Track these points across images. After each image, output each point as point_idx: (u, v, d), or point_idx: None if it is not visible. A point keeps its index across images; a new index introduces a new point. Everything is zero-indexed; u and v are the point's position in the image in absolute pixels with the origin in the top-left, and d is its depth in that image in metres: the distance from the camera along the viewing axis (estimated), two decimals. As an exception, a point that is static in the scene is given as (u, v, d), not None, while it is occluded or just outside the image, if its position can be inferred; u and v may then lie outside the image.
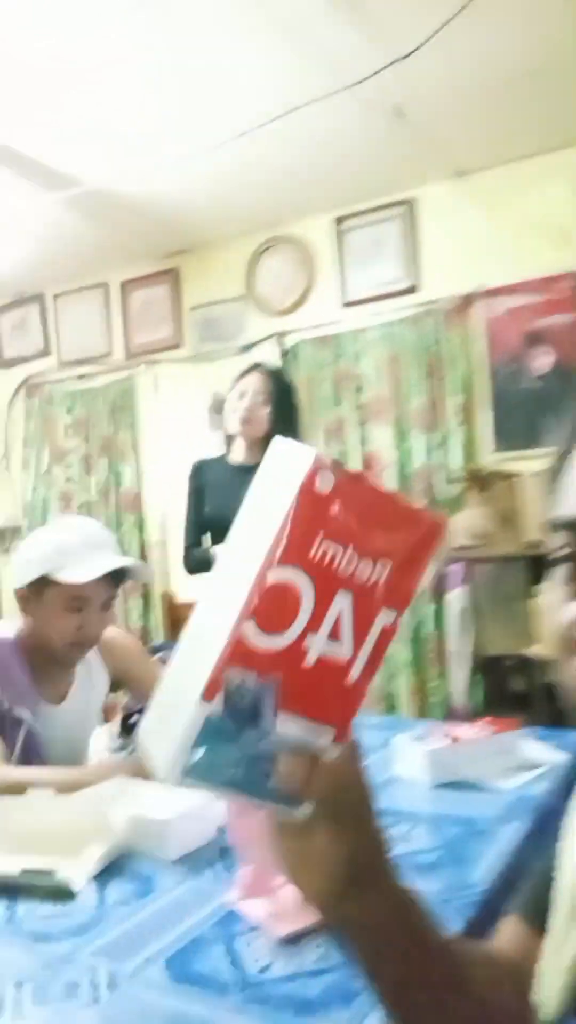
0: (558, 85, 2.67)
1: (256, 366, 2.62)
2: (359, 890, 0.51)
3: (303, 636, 0.44)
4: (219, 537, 2.55)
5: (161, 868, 1.09)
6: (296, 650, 0.44)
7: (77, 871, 1.06)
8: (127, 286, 4.18)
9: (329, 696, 0.46)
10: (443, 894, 0.96)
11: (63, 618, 1.48)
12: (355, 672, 0.46)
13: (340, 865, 0.50)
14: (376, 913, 0.52)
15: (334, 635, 0.45)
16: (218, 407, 3.90)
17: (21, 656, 1.53)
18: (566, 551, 0.51)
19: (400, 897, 0.54)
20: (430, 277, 3.40)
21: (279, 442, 0.48)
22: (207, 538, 2.60)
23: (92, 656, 1.66)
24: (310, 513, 0.44)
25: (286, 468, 0.45)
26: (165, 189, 3.26)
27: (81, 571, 1.44)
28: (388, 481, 3.38)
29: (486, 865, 1.04)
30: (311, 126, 2.82)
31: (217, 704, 0.43)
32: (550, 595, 0.53)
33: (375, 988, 0.57)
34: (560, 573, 0.52)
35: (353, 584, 0.45)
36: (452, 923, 0.89)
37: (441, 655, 3.21)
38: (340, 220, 3.57)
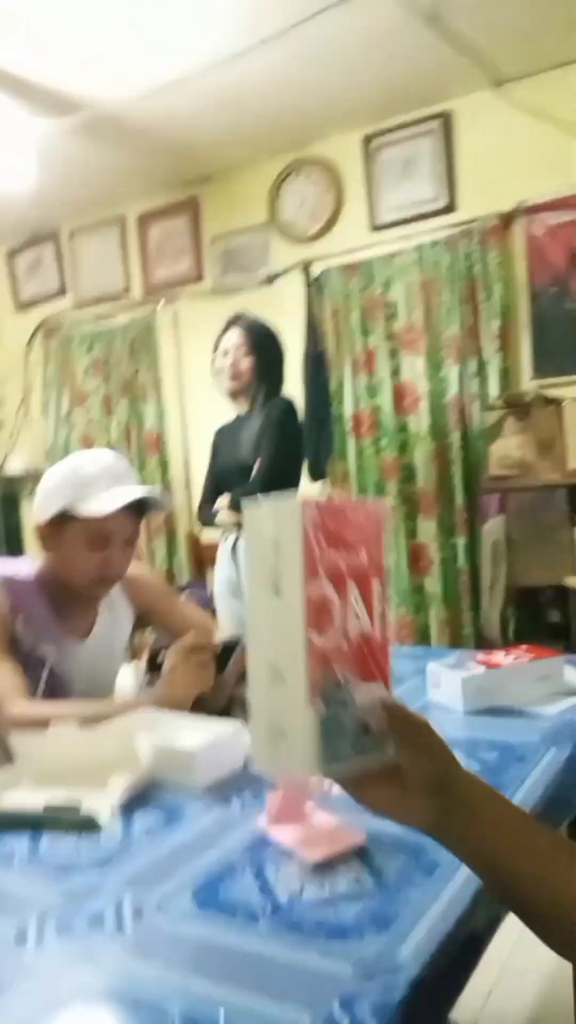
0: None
1: (234, 321, 2.71)
2: (452, 804, 0.60)
3: (344, 623, 0.58)
4: (225, 485, 2.67)
5: (188, 798, 1.06)
6: (344, 635, 0.58)
7: (103, 803, 1.03)
8: (144, 219, 4.05)
9: (370, 657, 0.59)
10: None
11: (86, 554, 1.44)
12: (377, 633, 0.60)
13: (428, 785, 0.60)
14: (476, 821, 0.60)
15: (358, 614, 0.59)
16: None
17: (42, 594, 1.49)
18: None
19: (496, 804, 0.62)
20: (467, 195, 3.22)
21: (255, 502, 0.59)
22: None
23: (116, 593, 1.62)
24: (313, 538, 0.56)
25: (281, 516, 0.57)
26: (180, 110, 3.11)
27: (102, 503, 1.39)
28: (422, 412, 3.27)
29: (526, 790, 0.99)
30: (338, 33, 2.65)
31: (319, 702, 0.56)
32: None
33: (493, 894, 0.66)
34: None
35: (353, 573, 0.59)
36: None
37: (474, 587, 3.15)
38: (369, 138, 3.39)
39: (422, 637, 3.27)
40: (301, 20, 2.56)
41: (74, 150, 3.35)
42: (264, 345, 2.65)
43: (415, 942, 0.69)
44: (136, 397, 4.08)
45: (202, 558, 3.94)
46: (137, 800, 1.06)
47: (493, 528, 2.79)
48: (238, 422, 2.71)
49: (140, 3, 2.43)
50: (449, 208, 3.25)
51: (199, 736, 1.14)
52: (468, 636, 3.16)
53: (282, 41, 2.66)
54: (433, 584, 3.24)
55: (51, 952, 0.73)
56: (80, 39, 2.59)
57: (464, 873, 0.79)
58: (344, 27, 2.61)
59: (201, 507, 2.77)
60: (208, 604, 3.33)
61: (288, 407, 2.67)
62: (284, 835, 0.89)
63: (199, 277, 3.90)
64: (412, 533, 3.29)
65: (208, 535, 3.87)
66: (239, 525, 2.60)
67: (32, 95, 2.88)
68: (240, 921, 0.75)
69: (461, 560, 3.19)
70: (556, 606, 2.72)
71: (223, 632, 1.67)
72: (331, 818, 0.92)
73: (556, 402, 2.79)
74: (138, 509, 1.48)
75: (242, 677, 1.46)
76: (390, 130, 3.34)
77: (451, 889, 0.77)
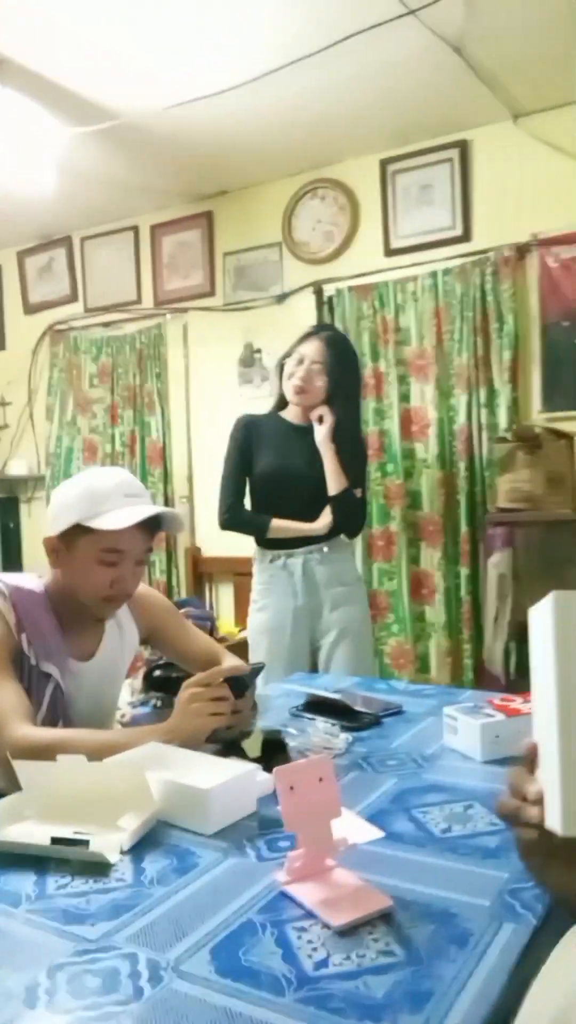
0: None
1: (318, 331, 2.49)
2: None
3: None
4: (274, 492, 2.43)
5: (199, 843, 1.02)
6: None
7: (112, 842, 0.99)
8: (158, 230, 4.03)
9: None
10: (511, 883, 0.88)
11: (97, 571, 1.41)
12: None
13: None
14: None
15: None
16: (248, 360, 3.80)
17: (50, 609, 1.46)
18: None
19: None
20: (482, 225, 3.22)
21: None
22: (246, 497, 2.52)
23: (123, 612, 1.58)
24: None
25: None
26: (203, 125, 3.09)
27: (118, 519, 1.36)
28: (430, 440, 3.25)
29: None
30: (364, 58, 2.65)
31: None
32: None
33: None
34: None
35: None
36: (524, 917, 0.80)
37: (475, 618, 3.13)
38: (387, 162, 3.39)
39: (421, 666, 3.24)
40: (330, 44, 2.56)
41: (94, 158, 3.33)
42: (342, 366, 2.44)
43: (454, 1025, 0.65)
44: (141, 408, 4.04)
45: (200, 574, 3.90)
46: (145, 842, 1.02)
47: (499, 561, 2.76)
48: (298, 430, 2.46)
49: (176, 20, 2.42)
50: (464, 237, 3.25)
51: (211, 775, 1.11)
52: (468, 667, 3.13)
53: (309, 64, 2.65)
54: (434, 613, 3.21)
55: (63, 1015, 0.69)
56: (116, 50, 2.57)
57: (499, 945, 0.76)
58: (371, 52, 2.61)
59: (229, 509, 2.45)
60: (205, 622, 3.29)
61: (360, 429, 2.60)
62: (305, 894, 0.85)
63: (211, 291, 3.88)
64: (415, 560, 3.27)
65: (216, 548, 3.83)
66: (310, 542, 2.39)
67: (62, 102, 2.86)
68: (265, 992, 0.71)
69: (463, 590, 3.16)
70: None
71: (231, 660, 1.64)
72: (354, 878, 0.88)
73: (567, 437, 2.78)
74: (151, 529, 1.46)
75: (254, 707, 1.43)
76: (408, 156, 3.35)
77: (487, 964, 0.73)
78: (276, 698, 1.68)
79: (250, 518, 2.45)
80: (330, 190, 3.54)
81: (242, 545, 3.69)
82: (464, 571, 3.17)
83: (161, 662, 2.98)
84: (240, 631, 3.57)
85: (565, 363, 3.08)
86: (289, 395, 2.44)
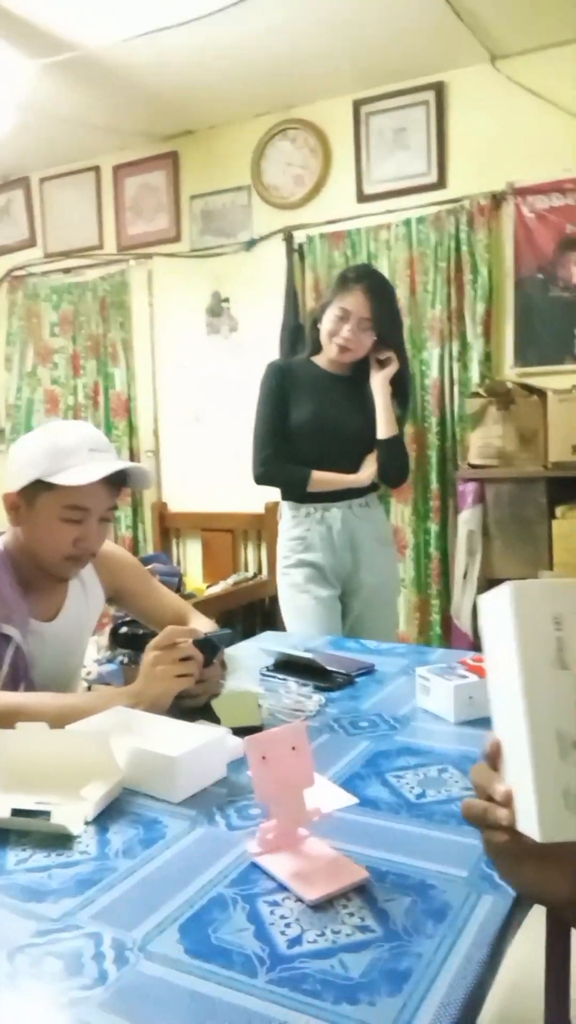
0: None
1: (358, 278, 2.22)
2: None
3: None
4: (313, 444, 2.24)
5: (166, 811, 0.98)
6: None
7: (75, 812, 0.95)
8: (120, 171, 3.86)
9: None
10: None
11: (59, 529, 1.35)
12: None
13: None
14: None
15: None
16: (216, 309, 3.69)
17: (9, 569, 1.40)
18: None
19: None
20: (457, 171, 3.12)
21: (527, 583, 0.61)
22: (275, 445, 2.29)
23: (87, 571, 1.53)
24: None
25: (567, 593, 0.61)
26: (165, 59, 2.93)
27: (82, 474, 1.30)
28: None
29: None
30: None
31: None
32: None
33: None
34: None
35: None
36: (502, 888, 0.78)
37: (443, 573, 3.12)
38: (360, 103, 3.26)
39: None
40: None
41: (52, 93, 3.15)
42: (391, 314, 2.26)
43: (433, 1007, 0.63)
44: (105, 358, 3.92)
45: (167, 529, 3.84)
46: (110, 811, 0.98)
47: (469, 517, 2.74)
48: (329, 378, 2.29)
49: None
50: (439, 184, 3.16)
51: (179, 741, 1.07)
52: (435, 622, 3.14)
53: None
54: (403, 568, 3.20)
55: (24, 1002, 0.65)
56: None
57: (478, 920, 0.74)
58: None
59: (267, 460, 2.25)
60: (172, 578, 3.24)
61: None
62: (277, 866, 0.82)
63: (176, 236, 3.74)
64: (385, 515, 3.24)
65: (183, 503, 3.78)
66: (350, 495, 2.25)
67: (15, 31, 2.68)
68: (237, 973, 0.68)
69: (432, 546, 3.15)
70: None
71: (199, 619, 1.60)
72: (327, 848, 0.85)
73: (540, 392, 2.74)
74: (116, 486, 1.40)
75: (223, 667, 1.39)
76: (382, 97, 3.22)
77: (466, 940, 0.71)
78: (245, 658, 1.64)
79: (290, 471, 2.25)
80: (301, 131, 3.40)
81: (209, 500, 3.65)
82: (434, 527, 3.15)
83: (127, 619, 2.93)
84: (208, 587, 3.53)
85: (538, 317, 3.03)
86: (332, 353, 2.25)
